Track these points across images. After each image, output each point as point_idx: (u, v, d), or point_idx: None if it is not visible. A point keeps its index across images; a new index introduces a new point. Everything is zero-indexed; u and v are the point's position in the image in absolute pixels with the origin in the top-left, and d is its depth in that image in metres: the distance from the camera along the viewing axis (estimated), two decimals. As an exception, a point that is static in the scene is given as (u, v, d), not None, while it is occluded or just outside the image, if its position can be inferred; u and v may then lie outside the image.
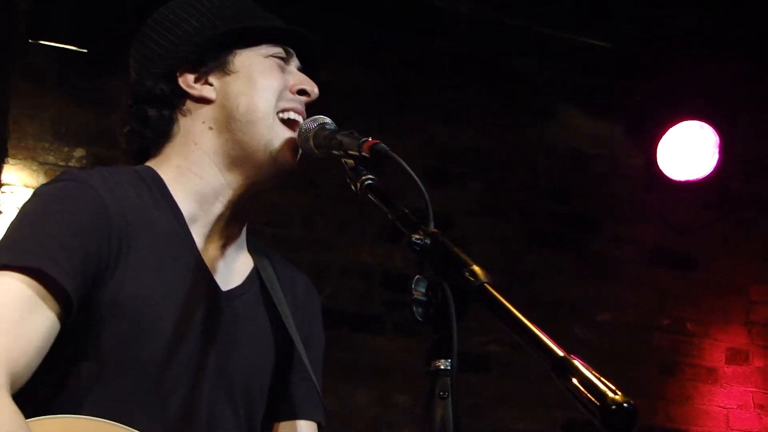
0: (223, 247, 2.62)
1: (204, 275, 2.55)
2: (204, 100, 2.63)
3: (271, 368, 2.66)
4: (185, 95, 2.63)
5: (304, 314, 2.76)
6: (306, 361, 2.64)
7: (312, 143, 2.51)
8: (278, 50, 2.68)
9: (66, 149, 5.55)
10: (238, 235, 2.67)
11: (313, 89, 2.68)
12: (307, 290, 2.82)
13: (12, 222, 2.39)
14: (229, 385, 2.54)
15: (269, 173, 2.60)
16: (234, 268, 2.65)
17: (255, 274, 2.69)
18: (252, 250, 2.73)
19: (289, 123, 2.63)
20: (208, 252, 2.59)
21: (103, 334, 2.37)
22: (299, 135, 2.55)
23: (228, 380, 2.54)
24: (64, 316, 2.31)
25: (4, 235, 2.36)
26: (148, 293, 2.41)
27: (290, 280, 2.78)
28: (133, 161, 2.67)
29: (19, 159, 5.47)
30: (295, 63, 2.72)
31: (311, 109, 2.69)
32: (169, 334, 2.42)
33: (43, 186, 2.49)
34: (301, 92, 2.67)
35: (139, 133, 2.64)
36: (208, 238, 2.59)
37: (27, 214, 2.40)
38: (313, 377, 2.65)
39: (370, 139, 2.27)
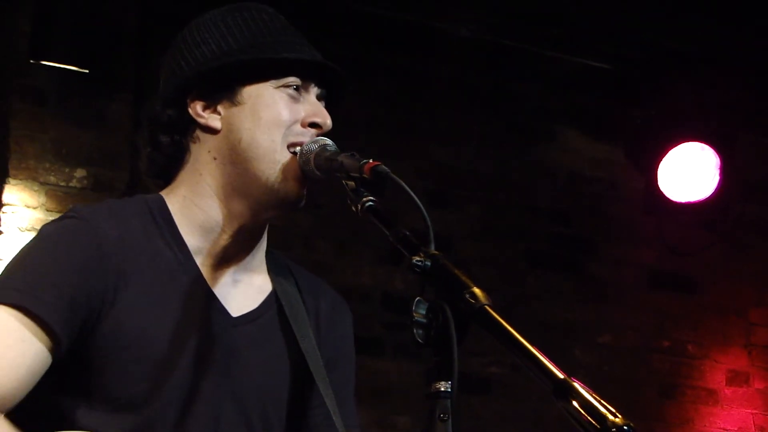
0: (233, 273, 2.59)
1: (211, 303, 2.52)
2: (210, 130, 2.56)
3: (288, 393, 2.62)
4: (194, 122, 2.57)
5: (329, 335, 2.71)
6: (323, 386, 2.59)
7: (313, 165, 2.47)
8: (292, 80, 2.57)
9: (67, 170, 5.55)
10: (248, 260, 2.62)
11: (326, 122, 2.56)
12: (334, 309, 2.76)
13: (12, 259, 2.43)
14: (244, 411, 2.52)
15: (272, 206, 2.55)
16: (247, 294, 2.61)
17: (272, 298, 2.64)
18: (274, 271, 2.68)
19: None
20: (216, 280, 2.56)
21: (108, 370, 2.38)
22: (300, 156, 2.52)
23: (243, 406, 2.52)
24: (54, 350, 2.34)
25: (2, 273, 2.41)
26: (150, 325, 2.41)
27: (315, 300, 2.73)
28: (155, 181, 2.65)
29: (20, 179, 5.47)
30: (314, 91, 2.61)
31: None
32: (177, 364, 2.42)
33: (46, 225, 2.51)
34: (313, 125, 2.56)
35: (152, 157, 2.62)
36: (216, 267, 2.56)
37: (23, 253, 2.44)
38: (329, 404, 2.58)
39: (371, 161, 2.26)
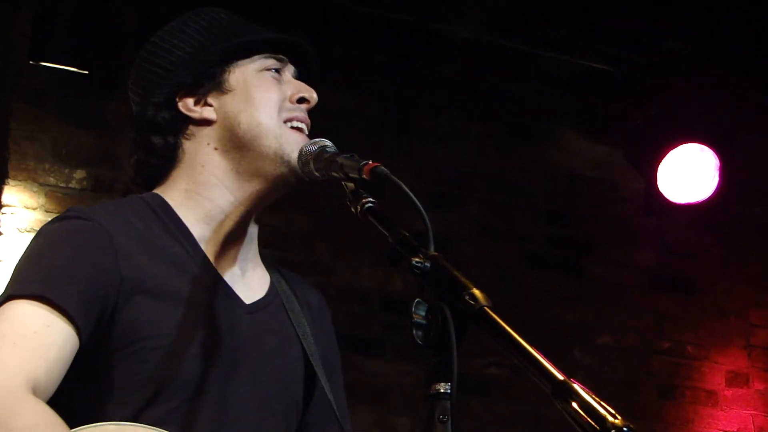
0: (239, 262, 2.64)
1: (225, 291, 2.57)
2: (206, 122, 2.64)
3: (302, 378, 2.68)
4: (187, 119, 2.64)
5: (321, 327, 2.78)
6: (321, 374, 2.67)
7: (312, 166, 2.50)
8: (271, 62, 2.68)
9: (66, 171, 5.55)
10: (249, 249, 2.68)
11: (312, 95, 2.68)
12: (320, 304, 2.84)
13: (18, 260, 2.46)
14: (267, 396, 2.57)
15: (285, 180, 2.60)
16: (254, 282, 2.67)
17: (274, 289, 2.71)
18: (266, 264, 2.75)
19: (296, 131, 2.64)
20: (226, 269, 2.61)
21: (128, 361, 2.41)
22: (299, 158, 2.56)
23: (265, 391, 2.56)
24: (77, 340, 2.36)
25: (12, 273, 2.43)
26: (167, 316, 2.44)
27: (303, 294, 2.79)
28: (142, 189, 2.69)
29: (20, 180, 5.48)
30: (290, 71, 2.73)
31: (312, 131, 2.69)
32: (198, 352, 2.45)
33: (47, 224, 2.54)
34: (301, 100, 2.67)
35: (146, 162, 2.67)
36: (223, 256, 2.61)
37: (32, 250, 2.47)
38: (328, 393, 2.66)
39: (370, 162, 2.27)
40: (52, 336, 2.32)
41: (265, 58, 2.68)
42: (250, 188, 2.61)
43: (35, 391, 2.26)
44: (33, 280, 2.37)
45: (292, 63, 2.74)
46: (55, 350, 2.32)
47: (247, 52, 2.67)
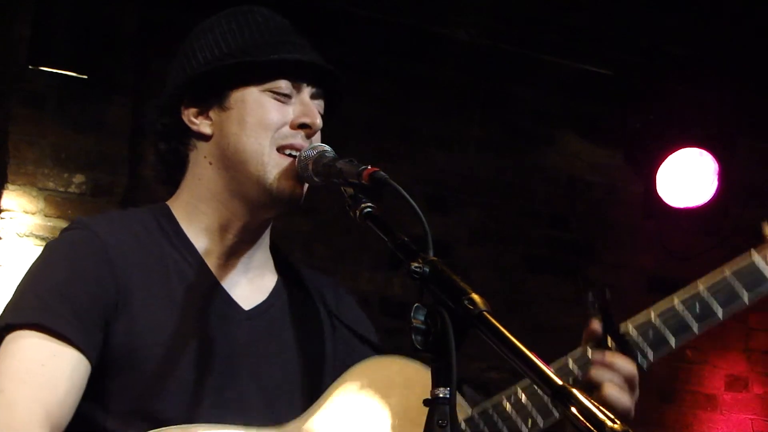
0: (243, 270, 2.64)
1: (224, 299, 2.57)
2: (203, 136, 2.61)
3: (307, 377, 2.67)
4: (188, 130, 2.62)
5: (341, 315, 2.80)
6: (329, 374, 2.67)
7: (311, 171, 2.49)
8: (281, 84, 2.59)
9: (66, 175, 5.55)
10: (255, 256, 2.68)
11: (314, 121, 2.59)
12: (336, 293, 2.85)
13: (21, 278, 2.47)
14: (270, 399, 2.57)
15: (269, 205, 2.58)
16: (257, 287, 2.67)
17: (281, 289, 2.70)
18: (278, 264, 2.75)
19: (287, 158, 2.58)
20: (227, 278, 2.61)
21: (126, 371, 2.42)
22: (298, 163, 2.54)
23: (264, 396, 2.57)
24: (84, 359, 2.38)
25: (12, 295, 2.45)
26: (163, 325, 2.45)
27: (319, 289, 2.80)
28: (165, 188, 2.70)
29: (19, 185, 5.47)
30: (307, 91, 2.63)
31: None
32: (192, 362, 2.46)
33: (52, 240, 2.57)
34: (302, 126, 2.59)
35: (157, 165, 2.69)
36: (225, 265, 2.61)
37: (32, 269, 2.49)
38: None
39: (369, 167, 2.27)
40: (60, 367, 2.34)
41: (275, 78, 2.60)
42: (239, 208, 2.59)
43: (51, 427, 2.30)
44: (29, 306, 2.39)
45: (314, 80, 2.65)
46: (65, 381, 2.34)
47: (257, 71, 2.60)
